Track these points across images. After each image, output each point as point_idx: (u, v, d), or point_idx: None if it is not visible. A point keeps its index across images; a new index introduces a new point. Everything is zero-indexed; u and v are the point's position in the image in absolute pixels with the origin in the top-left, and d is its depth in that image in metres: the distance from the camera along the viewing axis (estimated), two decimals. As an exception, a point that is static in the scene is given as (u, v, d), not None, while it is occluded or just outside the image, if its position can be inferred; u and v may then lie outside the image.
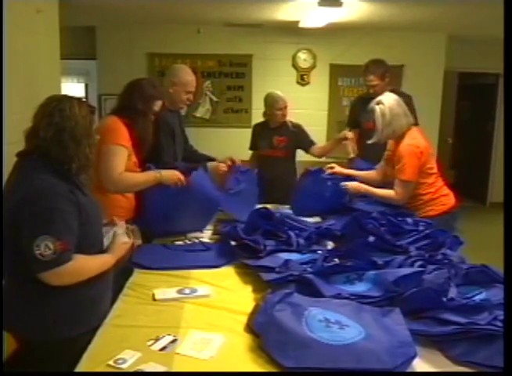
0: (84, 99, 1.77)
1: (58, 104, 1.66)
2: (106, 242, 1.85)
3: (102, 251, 1.78)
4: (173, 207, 2.50)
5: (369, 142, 2.97)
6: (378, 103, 2.85)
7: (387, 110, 2.80)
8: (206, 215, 2.73)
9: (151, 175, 2.45)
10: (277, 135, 3.80)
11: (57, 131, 1.61)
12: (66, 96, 1.72)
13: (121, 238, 1.85)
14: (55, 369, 1.58)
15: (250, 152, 4.00)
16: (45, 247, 1.50)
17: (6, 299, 1.67)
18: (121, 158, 2.34)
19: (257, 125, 4.03)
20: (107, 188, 2.33)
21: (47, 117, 1.63)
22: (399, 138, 2.83)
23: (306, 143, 3.83)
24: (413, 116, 3.67)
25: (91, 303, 1.70)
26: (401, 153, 2.76)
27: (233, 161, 3.02)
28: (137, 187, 2.45)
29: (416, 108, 3.70)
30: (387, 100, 2.85)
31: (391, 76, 3.65)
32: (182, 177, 2.51)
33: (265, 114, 3.81)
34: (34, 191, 1.56)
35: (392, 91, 3.69)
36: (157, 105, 2.56)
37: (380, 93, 3.59)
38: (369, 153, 3.60)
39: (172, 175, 2.50)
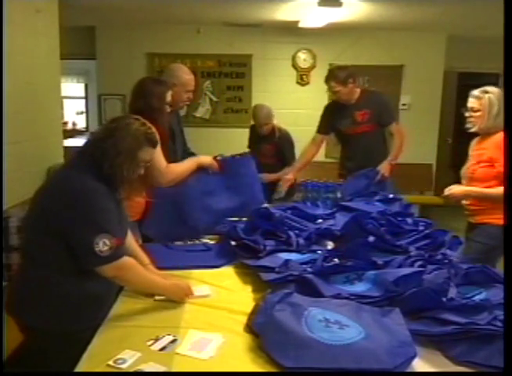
0: (146, 126, 1.83)
1: (120, 118, 1.84)
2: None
3: None
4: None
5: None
6: (486, 92, 2.69)
7: (496, 101, 2.64)
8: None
9: (192, 161, 2.64)
10: (266, 144, 3.90)
11: (105, 137, 1.74)
12: (132, 116, 1.87)
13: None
14: (58, 360, 1.63)
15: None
16: (103, 244, 1.62)
17: (17, 286, 1.76)
18: (161, 153, 2.44)
19: (252, 126, 4.09)
20: (159, 183, 2.46)
21: (106, 124, 1.82)
22: (491, 135, 2.69)
23: (287, 156, 3.92)
24: (392, 113, 3.70)
25: (97, 298, 1.76)
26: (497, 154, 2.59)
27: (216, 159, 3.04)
28: (183, 175, 2.57)
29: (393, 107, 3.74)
30: (496, 91, 2.67)
31: (354, 80, 3.59)
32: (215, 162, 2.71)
33: (258, 125, 3.88)
34: (85, 191, 1.66)
35: (363, 91, 3.68)
36: (169, 96, 2.61)
37: (345, 99, 3.60)
38: (353, 158, 3.64)
39: (208, 160, 2.68)
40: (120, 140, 1.73)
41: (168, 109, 2.61)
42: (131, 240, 2.00)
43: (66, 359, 1.45)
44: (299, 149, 4.69)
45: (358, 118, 3.61)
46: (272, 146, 3.87)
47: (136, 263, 1.77)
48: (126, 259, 1.71)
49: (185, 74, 2.97)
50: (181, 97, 2.96)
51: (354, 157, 3.64)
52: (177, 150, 2.97)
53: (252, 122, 4.10)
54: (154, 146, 1.85)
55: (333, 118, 3.75)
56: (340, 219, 2.56)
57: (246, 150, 4.07)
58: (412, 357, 1.39)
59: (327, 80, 3.58)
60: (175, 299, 1.81)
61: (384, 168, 3.46)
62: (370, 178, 3.38)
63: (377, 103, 3.63)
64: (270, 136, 3.87)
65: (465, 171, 2.87)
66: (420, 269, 1.86)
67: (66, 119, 8.69)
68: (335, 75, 3.51)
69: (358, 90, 3.65)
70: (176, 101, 2.97)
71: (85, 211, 1.65)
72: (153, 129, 1.87)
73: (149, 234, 2.57)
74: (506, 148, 2.33)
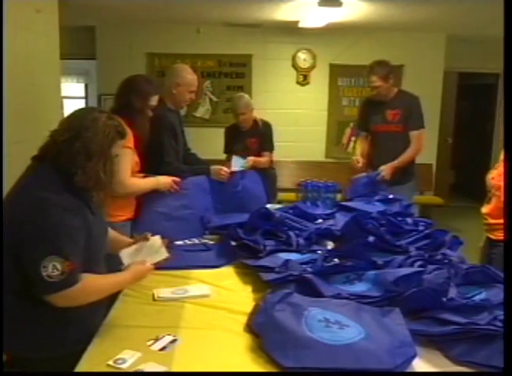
0: (113, 119, 1.64)
1: (83, 113, 1.62)
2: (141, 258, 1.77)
3: (102, 272, 1.67)
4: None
5: None
6: None
7: None
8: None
9: (152, 182, 2.56)
10: (250, 137, 3.85)
11: (71, 137, 1.52)
12: (96, 109, 1.68)
13: (148, 260, 1.73)
14: None
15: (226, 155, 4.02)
16: (53, 267, 1.40)
17: None
18: (129, 161, 2.38)
19: (228, 128, 4.05)
20: (116, 191, 2.31)
21: (67, 122, 1.59)
22: None
23: (267, 145, 3.90)
24: (421, 119, 3.65)
25: (76, 322, 1.58)
26: None
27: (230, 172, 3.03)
28: (140, 192, 2.54)
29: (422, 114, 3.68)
30: None
31: (394, 77, 3.63)
32: (175, 183, 2.63)
33: (235, 114, 3.85)
34: (40, 205, 1.45)
35: (399, 91, 3.68)
36: (154, 100, 2.55)
37: (385, 95, 3.58)
38: (381, 155, 3.59)
39: (168, 180, 2.61)
40: (90, 141, 1.52)
41: (150, 113, 2.52)
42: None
43: None
44: (300, 149, 4.71)
45: (389, 117, 3.60)
46: (256, 139, 3.85)
47: (91, 282, 1.52)
48: (79, 286, 1.46)
49: (189, 74, 2.97)
50: (184, 97, 2.96)
51: (380, 156, 3.60)
52: (179, 150, 2.97)
53: (230, 122, 4.04)
54: (123, 137, 1.66)
55: (366, 114, 3.78)
56: (340, 219, 2.56)
57: (224, 155, 4.03)
58: (412, 357, 1.39)
59: (369, 74, 3.57)
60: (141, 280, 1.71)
61: (386, 170, 3.45)
62: (372, 179, 3.37)
63: (411, 105, 3.60)
64: (253, 129, 3.85)
65: (499, 179, 2.50)
66: (420, 269, 1.86)
67: (66, 119, 8.69)
68: (377, 71, 3.51)
69: (395, 89, 3.64)
70: (179, 101, 2.97)
71: (38, 228, 1.42)
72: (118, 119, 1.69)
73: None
74: (507, 149, 2.32)
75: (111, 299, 1.79)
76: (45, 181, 1.52)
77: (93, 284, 1.55)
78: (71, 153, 1.51)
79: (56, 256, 1.41)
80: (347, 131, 6.03)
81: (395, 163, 3.50)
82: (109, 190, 1.68)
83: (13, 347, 1.55)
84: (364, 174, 3.49)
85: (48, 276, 1.41)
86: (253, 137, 3.85)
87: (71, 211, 1.49)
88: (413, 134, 3.58)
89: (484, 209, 2.62)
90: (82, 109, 1.67)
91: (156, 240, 1.85)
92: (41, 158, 1.58)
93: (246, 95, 3.93)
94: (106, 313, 1.72)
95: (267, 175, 3.73)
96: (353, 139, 3.99)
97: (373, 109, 3.68)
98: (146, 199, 2.56)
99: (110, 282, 1.62)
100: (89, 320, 1.61)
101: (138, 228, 2.55)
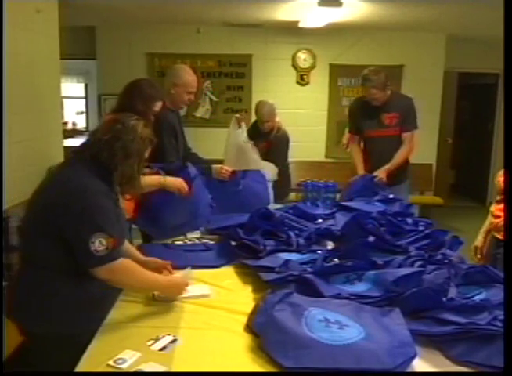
0: (148, 127, 1.85)
1: (125, 118, 1.80)
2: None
3: None
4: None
5: None
6: None
7: None
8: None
9: (156, 180, 2.49)
10: (262, 141, 3.86)
11: (113, 138, 1.72)
12: (134, 117, 1.85)
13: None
14: (57, 364, 1.61)
15: None
16: (99, 243, 1.59)
17: (15, 291, 1.74)
18: None
19: (252, 124, 4.08)
20: None
21: (110, 124, 1.78)
22: None
23: (277, 157, 3.83)
24: (415, 121, 3.59)
25: (97, 300, 1.73)
26: None
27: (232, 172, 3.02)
28: (143, 190, 2.49)
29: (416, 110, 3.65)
30: None
31: (389, 81, 3.54)
32: (185, 185, 2.54)
33: (260, 121, 3.86)
34: (81, 190, 1.64)
35: (393, 93, 3.64)
36: (157, 105, 2.55)
37: (381, 101, 3.51)
38: (379, 161, 3.55)
39: (175, 182, 2.54)
40: (130, 143, 1.73)
41: (152, 118, 2.50)
42: (126, 242, 1.98)
43: (66, 362, 1.44)
44: (300, 149, 4.70)
45: (385, 121, 3.54)
46: (266, 144, 3.84)
47: (132, 264, 1.73)
48: (121, 261, 1.67)
49: (188, 75, 2.96)
50: (182, 97, 2.95)
51: (378, 161, 3.54)
52: (179, 150, 2.97)
53: (254, 118, 4.07)
54: (153, 144, 1.86)
55: (358, 118, 3.68)
56: (340, 219, 2.56)
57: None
58: (412, 357, 1.39)
59: (366, 86, 3.47)
60: (172, 296, 1.81)
61: (380, 174, 3.42)
62: (368, 183, 3.34)
63: (406, 107, 3.56)
64: (267, 134, 3.86)
65: None
66: (420, 269, 1.86)
67: (66, 119, 8.69)
68: (374, 81, 3.42)
69: (388, 91, 3.56)
70: (177, 101, 2.97)
71: (83, 209, 1.61)
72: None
73: (148, 231, 2.59)
74: (507, 151, 2.30)
75: (120, 290, 1.85)
76: (85, 171, 1.69)
77: (132, 265, 1.72)
78: (112, 150, 1.71)
79: (101, 233, 1.60)
80: (347, 131, 6.05)
81: (389, 166, 3.47)
82: (138, 188, 1.87)
83: (35, 326, 1.69)
84: (358, 177, 3.46)
85: (96, 251, 1.59)
86: (264, 141, 3.85)
87: (107, 197, 1.69)
88: (406, 135, 3.55)
89: (495, 209, 2.61)
90: (124, 114, 1.85)
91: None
92: (81, 153, 1.76)
93: (270, 102, 3.87)
94: (119, 294, 1.82)
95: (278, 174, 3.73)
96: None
97: (367, 113, 3.58)
98: (149, 197, 2.55)
99: (146, 274, 1.76)
100: (106, 300, 1.77)
101: (140, 224, 2.55)
